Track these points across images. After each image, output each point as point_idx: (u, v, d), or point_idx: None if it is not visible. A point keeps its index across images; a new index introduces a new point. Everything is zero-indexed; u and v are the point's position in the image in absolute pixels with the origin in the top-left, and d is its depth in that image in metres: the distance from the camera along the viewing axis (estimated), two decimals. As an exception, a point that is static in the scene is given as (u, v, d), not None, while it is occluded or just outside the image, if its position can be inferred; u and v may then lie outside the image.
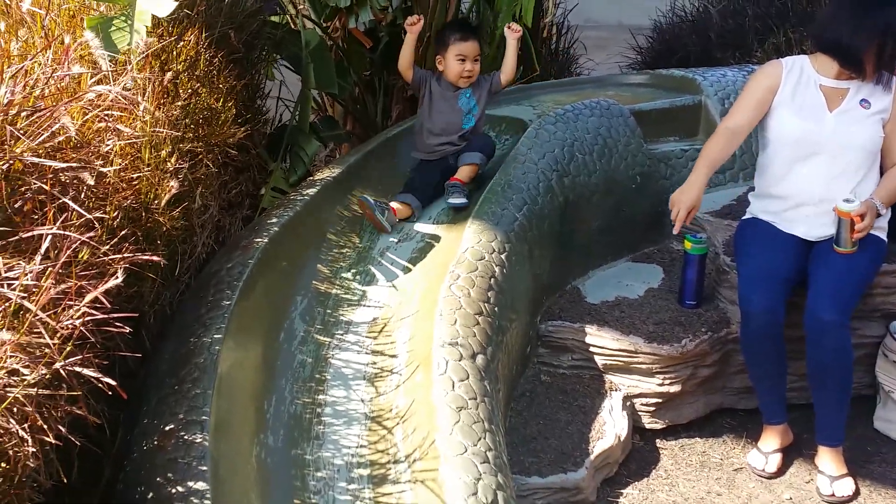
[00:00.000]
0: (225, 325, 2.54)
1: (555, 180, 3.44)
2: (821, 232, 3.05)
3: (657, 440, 3.22)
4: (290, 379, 2.67)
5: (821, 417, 2.96)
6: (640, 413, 3.24)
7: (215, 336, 2.50)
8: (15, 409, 1.73)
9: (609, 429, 3.02)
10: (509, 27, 3.51)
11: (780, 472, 3.03)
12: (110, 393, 1.84)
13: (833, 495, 2.87)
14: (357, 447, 2.50)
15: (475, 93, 3.47)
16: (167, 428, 2.24)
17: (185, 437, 2.20)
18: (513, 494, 2.38)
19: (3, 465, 1.79)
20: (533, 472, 2.82)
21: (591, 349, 3.25)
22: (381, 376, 2.69)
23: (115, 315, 1.85)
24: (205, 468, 2.11)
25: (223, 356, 2.45)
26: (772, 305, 2.93)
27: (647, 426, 3.23)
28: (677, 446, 3.20)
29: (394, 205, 3.26)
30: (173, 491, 2.08)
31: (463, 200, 3.28)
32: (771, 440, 3.07)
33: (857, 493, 2.90)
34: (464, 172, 3.39)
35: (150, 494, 2.10)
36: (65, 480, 1.92)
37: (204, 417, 2.24)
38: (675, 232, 3.07)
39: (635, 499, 2.90)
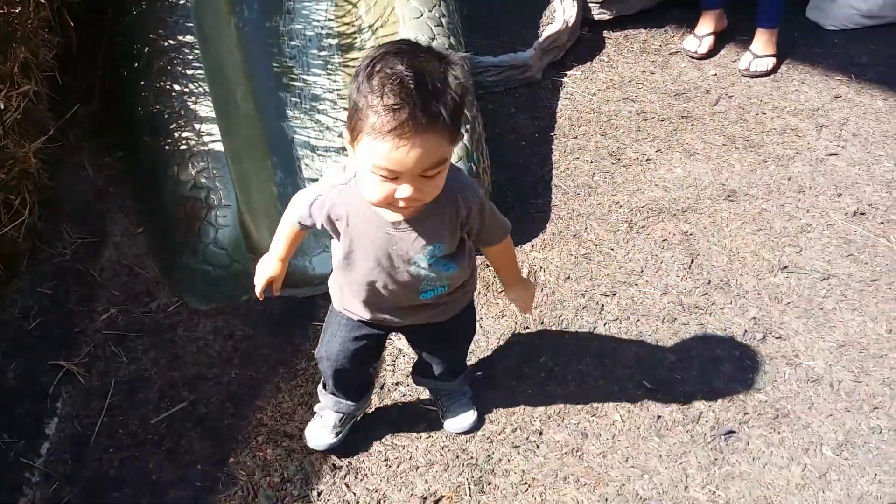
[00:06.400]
0: None
1: None
2: None
3: (604, 31, 3.50)
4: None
5: (762, 1, 3.23)
6: (590, 5, 3.49)
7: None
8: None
9: (559, 16, 3.29)
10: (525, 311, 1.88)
11: (711, 53, 3.36)
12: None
13: (748, 69, 3.25)
14: (325, 20, 2.78)
15: (447, 236, 1.54)
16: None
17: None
18: (464, 57, 2.73)
19: None
20: (486, 52, 3.14)
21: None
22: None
23: None
24: (191, 24, 2.41)
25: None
26: None
27: (596, 17, 3.50)
28: (622, 37, 3.49)
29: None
30: (166, 45, 2.39)
31: (474, 418, 2.00)
32: (706, 24, 3.36)
33: (772, 71, 3.26)
34: None
35: (147, 49, 2.41)
36: None
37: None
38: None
39: (577, 78, 3.27)
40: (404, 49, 1.32)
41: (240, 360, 2.07)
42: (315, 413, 1.95)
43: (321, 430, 1.91)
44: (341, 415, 1.89)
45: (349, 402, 1.89)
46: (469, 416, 1.99)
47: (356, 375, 1.88)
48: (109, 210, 2.36)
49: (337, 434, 1.90)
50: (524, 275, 2.18)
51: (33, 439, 1.83)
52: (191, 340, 2.09)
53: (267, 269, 1.69)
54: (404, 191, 1.34)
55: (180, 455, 1.87)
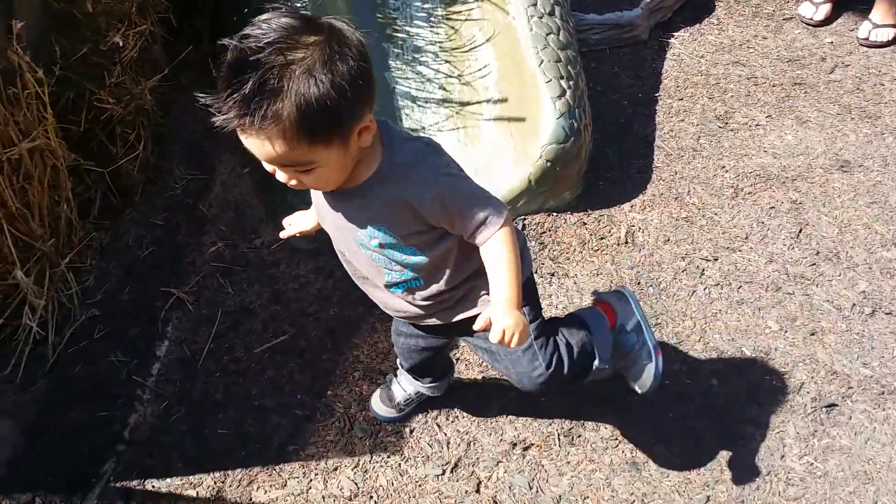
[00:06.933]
0: None
1: None
2: None
3: None
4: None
5: None
6: (701, -33, 3.37)
7: None
8: None
9: None
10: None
11: (827, 21, 3.21)
12: None
13: (867, 38, 3.08)
14: (432, -24, 2.77)
15: (389, 220, 1.35)
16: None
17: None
18: (569, 13, 2.68)
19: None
20: (591, 9, 3.08)
21: None
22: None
23: None
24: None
25: None
26: None
27: None
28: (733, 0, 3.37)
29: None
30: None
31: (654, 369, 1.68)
32: (824, -10, 3.21)
33: (892, 42, 3.08)
34: None
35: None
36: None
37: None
38: None
39: (685, 40, 3.17)
40: (262, 30, 1.12)
41: (338, 299, 2.11)
42: (387, 378, 1.92)
43: (387, 404, 1.88)
44: (410, 396, 1.85)
45: (428, 385, 1.82)
46: (649, 369, 1.63)
47: (430, 363, 1.74)
48: (217, 150, 2.42)
49: (400, 411, 1.88)
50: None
51: (145, 359, 1.92)
52: (293, 278, 2.14)
53: (299, 215, 1.56)
54: (280, 175, 1.23)
55: (282, 384, 1.93)
